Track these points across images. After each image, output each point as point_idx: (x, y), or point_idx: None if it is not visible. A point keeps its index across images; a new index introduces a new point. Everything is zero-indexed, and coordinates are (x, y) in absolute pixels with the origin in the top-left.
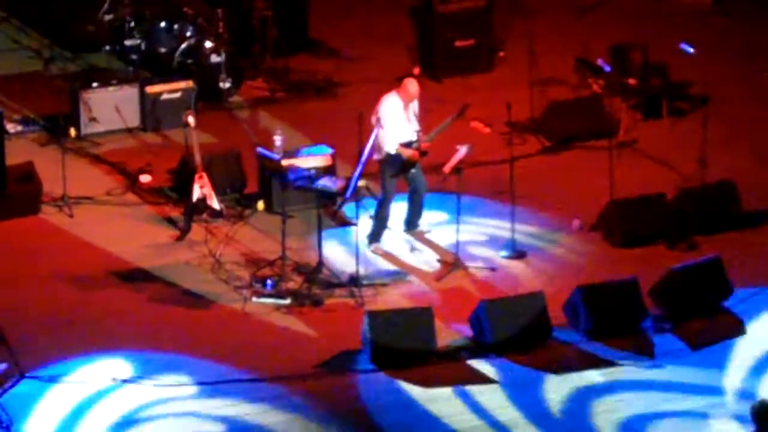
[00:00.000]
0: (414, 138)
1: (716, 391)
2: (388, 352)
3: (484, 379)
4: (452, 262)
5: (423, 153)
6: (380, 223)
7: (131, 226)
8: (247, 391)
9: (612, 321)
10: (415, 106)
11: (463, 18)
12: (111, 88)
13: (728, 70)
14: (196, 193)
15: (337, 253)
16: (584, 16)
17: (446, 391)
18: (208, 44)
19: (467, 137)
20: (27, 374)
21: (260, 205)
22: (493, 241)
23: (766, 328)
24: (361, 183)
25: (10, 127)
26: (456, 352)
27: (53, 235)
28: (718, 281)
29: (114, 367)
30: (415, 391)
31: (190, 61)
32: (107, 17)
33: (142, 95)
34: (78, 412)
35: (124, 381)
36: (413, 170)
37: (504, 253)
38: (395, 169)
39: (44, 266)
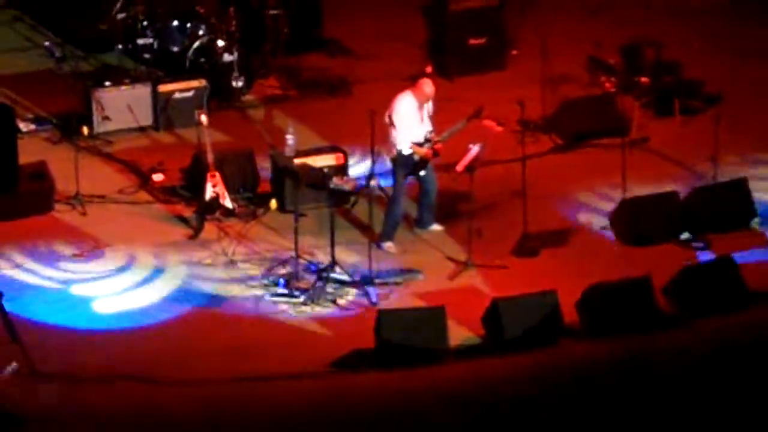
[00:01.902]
0: (427, 138)
1: None
2: (400, 351)
3: (496, 377)
4: (464, 261)
5: (435, 153)
6: (392, 221)
7: (144, 225)
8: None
9: (625, 319)
10: (429, 106)
11: (476, 16)
12: (123, 87)
13: (742, 69)
14: (209, 192)
15: (349, 252)
16: (597, 15)
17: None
18: (221, 43)
19: (479, 136)
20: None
21: (273, 203)
22: (504, 240)
23: None
24: (373, 182)
25: (23, 126)
26: (469, 352)
27: (66, 233)
28: (730, 280)
29: None
30: (426, 390)
31: (202, 59)
32: (120, 16)
33: (155, 94)
34: None
35: None
36: (425, 169)
37: (516, 251)
38: (407, 169)
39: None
